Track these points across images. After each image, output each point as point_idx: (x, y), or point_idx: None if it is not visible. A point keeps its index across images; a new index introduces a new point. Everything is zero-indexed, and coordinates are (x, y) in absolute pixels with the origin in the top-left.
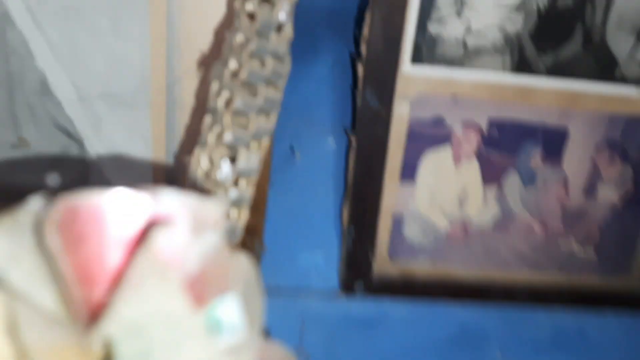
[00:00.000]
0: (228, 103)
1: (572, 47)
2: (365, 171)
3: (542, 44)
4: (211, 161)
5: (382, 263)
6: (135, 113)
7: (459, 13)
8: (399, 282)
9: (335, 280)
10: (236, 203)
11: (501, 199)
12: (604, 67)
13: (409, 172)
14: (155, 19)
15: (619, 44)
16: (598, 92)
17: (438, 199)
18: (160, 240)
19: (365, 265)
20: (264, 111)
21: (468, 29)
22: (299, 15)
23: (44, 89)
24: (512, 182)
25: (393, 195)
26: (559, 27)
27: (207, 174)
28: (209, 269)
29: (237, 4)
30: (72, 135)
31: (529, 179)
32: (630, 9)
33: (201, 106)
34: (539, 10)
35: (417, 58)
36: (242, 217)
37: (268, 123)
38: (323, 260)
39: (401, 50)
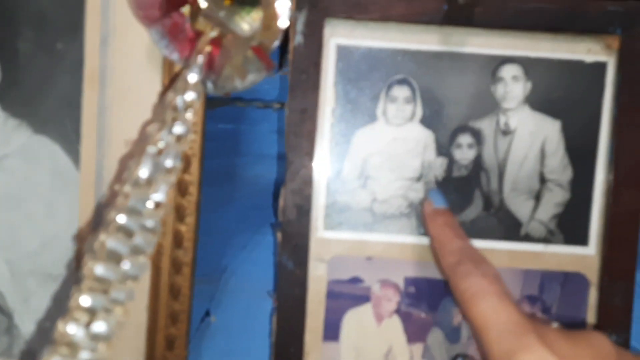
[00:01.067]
0: (90, 271)
1: (474, 211)
2: (288, 332)
3: None
4: (65, 324)
5: None
6: (62, 286)
7: (364, 186)
8: None
9: None
10: None
11: (429, 357)
12: (508, 228)
13: (332, 331)
14: (84, 201)
15: (519, 206)
16: (507, 249)
17: (364, 359)
18: None
19: None
20: (129, 277)
21: (374, 199)
22: (224, 190)
23: None
24: (436, 339)
25: (317, 355)
26: (458, 194)
27: (62, 337)
28: None
29: (117, 187)
30: (2, 310)
31: (452, 336)
32: (522, 177)
33: None
34: (436, 180)
35: (329, 225)
36: None
37: (135, 287)
38: None
39: (312, 219)
